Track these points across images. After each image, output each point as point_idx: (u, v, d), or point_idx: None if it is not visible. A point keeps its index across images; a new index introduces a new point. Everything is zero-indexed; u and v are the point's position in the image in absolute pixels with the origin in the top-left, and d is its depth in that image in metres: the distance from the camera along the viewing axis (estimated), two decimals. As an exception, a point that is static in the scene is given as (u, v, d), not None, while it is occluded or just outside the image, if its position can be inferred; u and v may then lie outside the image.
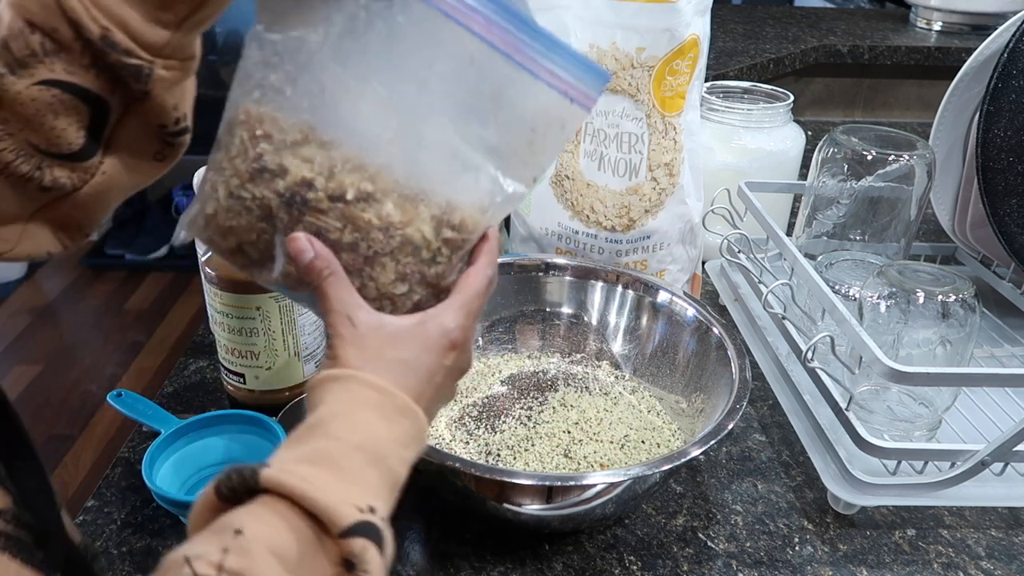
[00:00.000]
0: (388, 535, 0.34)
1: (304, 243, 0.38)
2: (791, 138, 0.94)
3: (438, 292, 0.41)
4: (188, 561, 0.29)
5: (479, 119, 0.40)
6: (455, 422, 0.66)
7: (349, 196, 0.38)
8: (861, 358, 0.59)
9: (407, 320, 0.39)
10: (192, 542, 0.30)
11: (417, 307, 0.40)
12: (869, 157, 0.76)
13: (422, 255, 0.39)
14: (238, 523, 0.31)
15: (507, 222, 0.84)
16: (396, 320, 0.39)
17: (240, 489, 0.32)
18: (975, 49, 0.78)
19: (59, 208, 0.41)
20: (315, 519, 0.32)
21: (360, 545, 0.32)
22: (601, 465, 0.61)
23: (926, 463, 0.61)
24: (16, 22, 0.35)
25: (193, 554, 0.29)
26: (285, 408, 0.65)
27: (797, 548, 0.58)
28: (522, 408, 0.67)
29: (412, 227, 0.39)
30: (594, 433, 0.64)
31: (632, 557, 0.57)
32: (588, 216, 0.75)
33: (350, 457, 0.35)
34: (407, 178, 0.39)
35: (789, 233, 0.93)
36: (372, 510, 0.34)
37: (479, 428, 0.65)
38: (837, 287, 0.73)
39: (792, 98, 0.93)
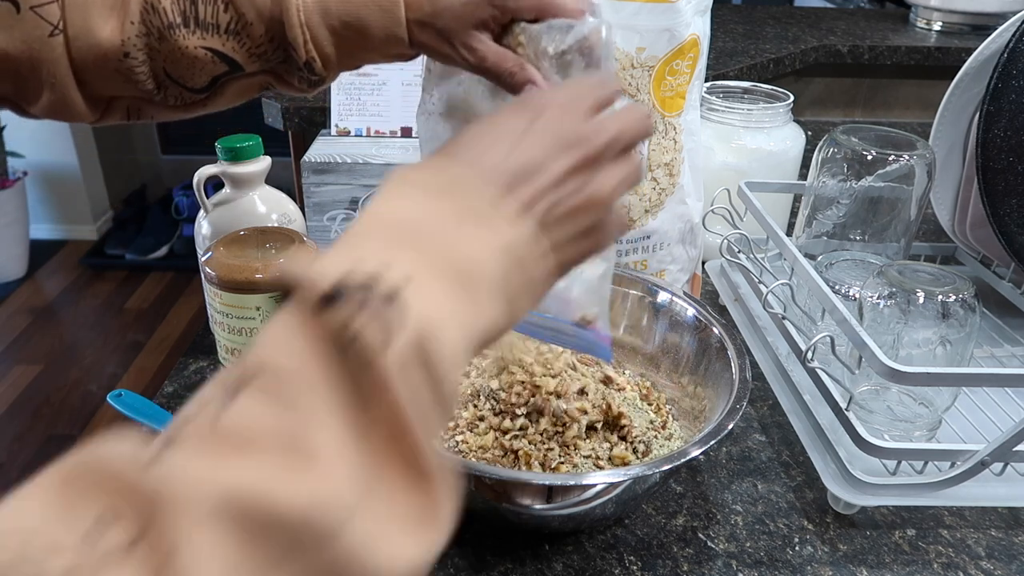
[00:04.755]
0: (401, 309, 0.27)
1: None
2: (791, 138, 0.94)
3: None
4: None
5: None
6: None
7: None
8: (861, 358, 0.59)
9: None
10: None
11: None
12: (869, 157, 0.76)
13: None
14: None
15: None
16: None
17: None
18: (975, 49, 0.78)
19: (146, 105, 0.48)
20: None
21: (340, 316, 0.26)
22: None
23: (926, 463, 0.61)
24: None
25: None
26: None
27: (797, 548, 0.59)
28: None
29: None
30: (594, 433, 0.64)
31: (632, 557, 0.57)
32: (588, 216, 0.75)
33: (370, 238, 0.30)
34: None
35: (789, 233, 0.93)
36: (374, 280, 0.27)
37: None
38: (837, 287, 0.73)
39: (792, 98, 0.93)
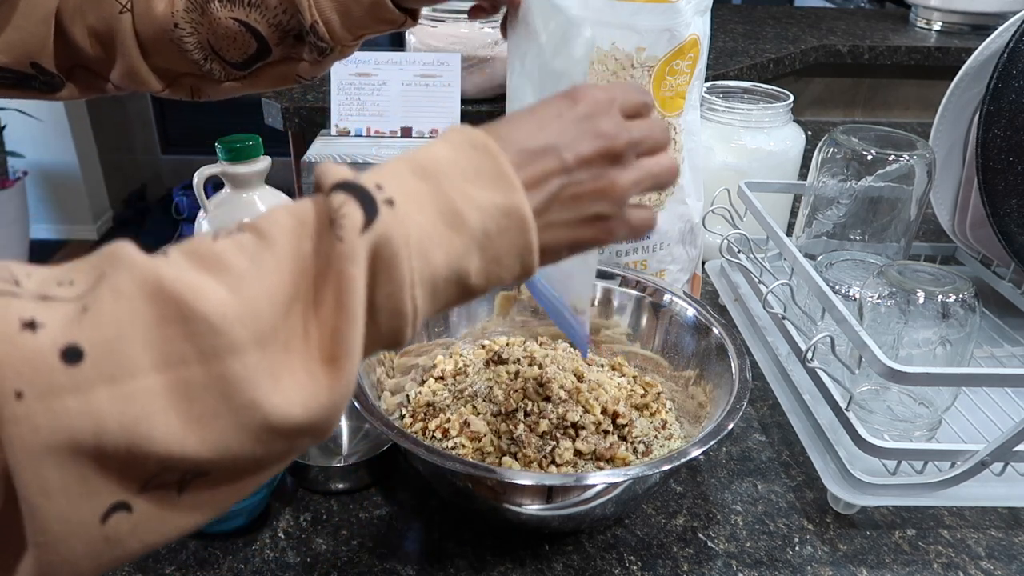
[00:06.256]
0: (387, 211, 0.31)
1: None
2: (791, 138, 0.94)
3: None
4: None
5: None
6: (455, 422, 0.66)
7: None
8: (861, 358, 0.59)
9: None
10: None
11: None
12: (869, 157, 0.76)
13: None
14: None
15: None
16: None
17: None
18: (975, 49, 0.78)
19: (203, 83, 0.58)
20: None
21: (338, 200, 0.31)
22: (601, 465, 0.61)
23: (926, 463, 0.61)
24: None
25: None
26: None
27: (797, 548, 0.59)
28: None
29: None
30: (594, 433, 0.64)
31: (632, 557, 0.57)
32: (588, 216, 0.75)
33: (391, 165, 0.34)
34: None
35: (789, 233, 0.93)
36: (379, 187, 0.32)
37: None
38: (837, 287, 0.73)
39: (792, 98, 0.94)
